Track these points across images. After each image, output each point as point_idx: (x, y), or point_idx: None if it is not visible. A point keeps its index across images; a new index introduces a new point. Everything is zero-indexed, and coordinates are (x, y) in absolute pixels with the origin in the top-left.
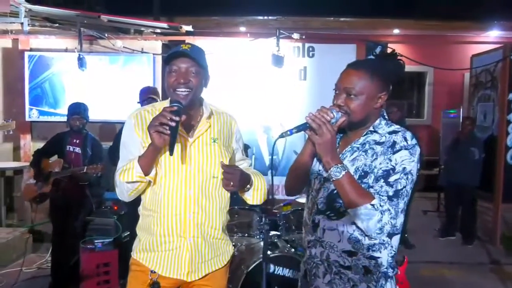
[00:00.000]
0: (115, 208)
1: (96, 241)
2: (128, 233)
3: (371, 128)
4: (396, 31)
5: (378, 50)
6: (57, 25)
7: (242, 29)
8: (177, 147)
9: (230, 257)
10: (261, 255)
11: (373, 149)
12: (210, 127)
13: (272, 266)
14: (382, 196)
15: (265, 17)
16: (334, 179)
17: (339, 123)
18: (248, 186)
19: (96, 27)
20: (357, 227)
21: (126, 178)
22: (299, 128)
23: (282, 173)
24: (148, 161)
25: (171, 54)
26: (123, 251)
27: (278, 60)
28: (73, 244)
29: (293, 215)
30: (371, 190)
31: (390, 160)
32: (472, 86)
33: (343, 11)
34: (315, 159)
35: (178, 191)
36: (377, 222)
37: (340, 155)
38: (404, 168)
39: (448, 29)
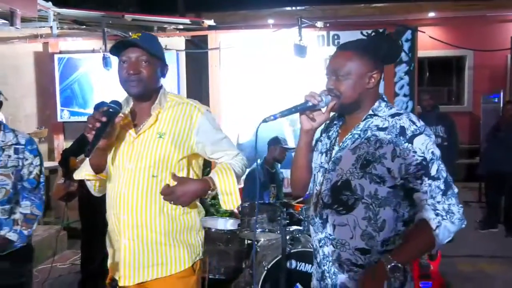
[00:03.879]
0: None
1: None
2: None
3: (370, 112)
4: (431, 14)
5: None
6: (84, 27)
7: (270, 21)
8: (121, 144)
9: (185, 267)
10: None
11: (375, 136)
12: (157, 121)
13: (294, 262)
14: (435, 195)
15: (293, 8)
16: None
17: (330, 107)
18: (209, 192)
19: (120, 27)
20: (370, 220)
21: (77, 176)
22: (283, 113)
23: None
24: (96, 160)
25: (118, 44)
26: None
27: (300, 50)
28: (101, 241)
29: None
30: (420, 195)
31: (414, 151)
32: None
33: None
34: (315, 152)
35: (115, 189)
36: (450, 227)
37: (341, 144)
38: (433, 152)
39: (486, 8)
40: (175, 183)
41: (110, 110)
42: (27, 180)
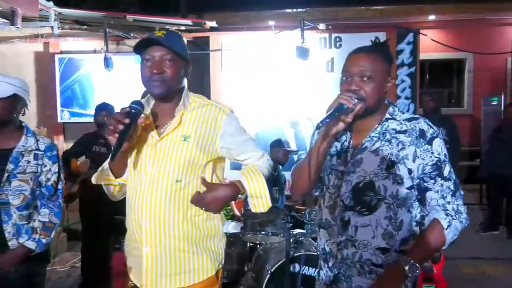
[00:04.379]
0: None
1: (123, 239)
2: None
3: (387, 116)
4: (431, 17)
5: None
6: (85, 27)
7: (271, 23)
8: (142, 146)
9: (210, 275)
10: (284, 254)
11: (396, 138)
12: (181, 123)
13: (297, 266)
14: (446, 195)
15: (294, 10)
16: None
17: (356, 110)
18: (240, 195)
19: (122, 28)
20: (391, 220)
21: (95, 180)
22: (329, 117)
23: None
24: (116, 163)
25: (141, 42)
26: None
27: (303, 52)
28: (102, 243)
29: None
30: (432, 194)
31: (431, 152)
32: None
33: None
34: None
35: (137, 195)
36: (459, 226)
37: (359, 146)
38: (446, 154)
39: (487, 11)
40: (204, 188)
41: (133, 111)
42: (45, 187)
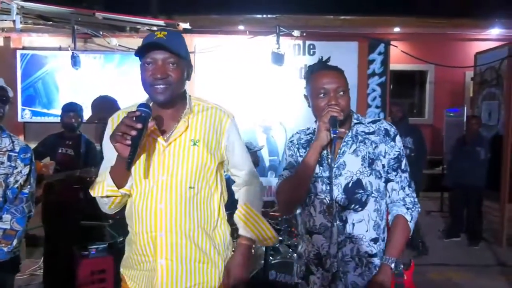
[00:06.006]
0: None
1: (90, 246)
2: (123, 238)
3: (354, 121)
4: (396, 29)
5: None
6: (50, 23)
7: (241, 27)
8: (149, 153)
9: (219, 283)
10: (262, 262)
11: (368, 139)
12: (188, 127)
13: (273, 273)
14: (404, 186)
15: (264, 16)
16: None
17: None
18: (254, 246)
19: (90, 25)
20: (378, 211)
21: (97, 193)
22: (336, 128)
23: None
24: (119, 173)
25: (144, 45)
26: (119, 257)
27: (278, 58)
28: (66, 250)
29: (295, 219)
30: (393, 185)
31: (393, 147)
32: (476, 85)
33: (344, 9)
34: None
35: (148, 205)
36: (416, 215)
37: (338, 150)
38: (403, 149)
39: (449, 27)
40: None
41: (143, 114)
42: (11, 189)
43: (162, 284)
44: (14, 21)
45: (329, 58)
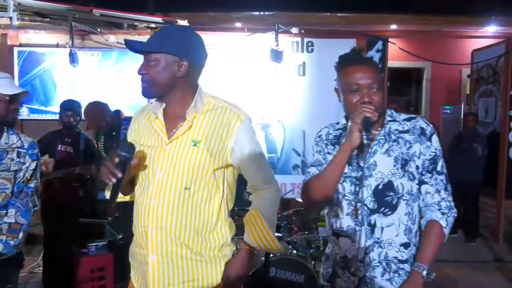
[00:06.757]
0: (109, 210)
1: (89, 244)
2: (122, 236)
3: (388, 118)
4: (393, 26)
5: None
6: (47, 19)
7: (238, 24)
8: (154, 149)
9: (216, 283)
10: (263, 258)
11: (402, 138)
12: (192, 126)
13: (274, 270)
14: (440, 189)
15: (262, 13)
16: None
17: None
18: (256, 252)
19: (88, 22)
20: (409, 215)
21: (107, 195)
22: (369, 131)
23: (281, 171)
24: (124, 184)
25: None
26: (118, 255)
27: (276, 55)
28: (65, 248)
29: (295, 215)
30: (427, 187)
31: (429, 148)
32: (473, 82)
33: (341, 6)
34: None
35: (144, 199)
36: (451, 221)
37: (370, 150)
38: (440, 150)
39: (446, 24)
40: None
41: (121, 160)
42: (17, 184)
43: (154, 279)
44: (11, 18)
45: (362, 49)
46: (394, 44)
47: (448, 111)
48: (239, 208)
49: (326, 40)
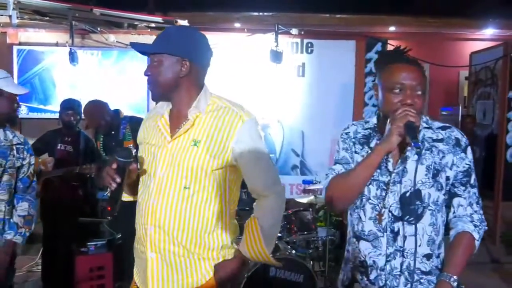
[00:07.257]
0: (109, 209)
1: (89, 243)
2: (121, 235)
3: (423, 125)
4: (392, 28)
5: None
6: (47, 18)
7: (237, 25)
8: (157, 147)
9: (208, 277)
10: None
11: (436, 147)
12: (194, 125)
13: (273, 269)
14: (473, 202)
15: (261, 13)
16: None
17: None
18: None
19: (88, 21)
20: (434, 226)
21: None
22: (415, 137)
23: (279, 171)
24: (129, 185)
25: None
26: (117, 254)
27: (276, 56)
28: (65, 247)
29: (295, 215)
30: (460, 200)
31: (464, 160)
32: (471, 84)
33: (340, 7)
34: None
35: (145, 197)
36: (482, 233)
37: (401, 155)
38: (473, 162)
39: (444, 26)
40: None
41: (120, 165)
42: (21, 180)
43: (153, 276)
44: (10, 16)
45: (407, 48)
46: (393, 45)
47: (445, 113)
48: (238, 208)
49: (325, 41)
